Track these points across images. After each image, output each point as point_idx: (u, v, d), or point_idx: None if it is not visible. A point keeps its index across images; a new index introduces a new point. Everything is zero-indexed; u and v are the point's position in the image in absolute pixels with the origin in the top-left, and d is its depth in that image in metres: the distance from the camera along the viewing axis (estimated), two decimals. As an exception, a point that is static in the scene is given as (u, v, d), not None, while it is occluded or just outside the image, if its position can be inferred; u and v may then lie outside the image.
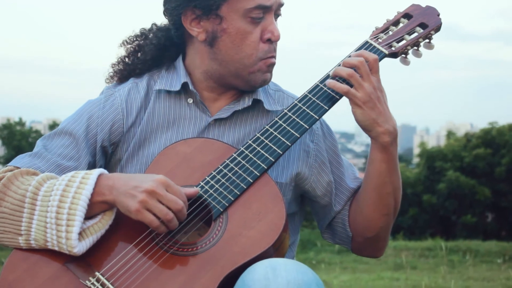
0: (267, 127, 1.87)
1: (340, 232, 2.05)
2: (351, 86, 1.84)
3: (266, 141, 1.85)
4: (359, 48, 1.93)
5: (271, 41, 1.94)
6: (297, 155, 1.99)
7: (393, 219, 1.99)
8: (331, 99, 1.88)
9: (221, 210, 1.76)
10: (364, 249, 2.06)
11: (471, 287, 7.28)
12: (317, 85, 1.90)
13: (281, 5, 1.95)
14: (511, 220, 24.35)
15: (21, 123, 28.94)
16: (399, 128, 1.90)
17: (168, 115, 1.99)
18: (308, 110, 1.87)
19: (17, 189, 1.76)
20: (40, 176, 1.77)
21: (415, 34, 1.95)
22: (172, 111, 1.99)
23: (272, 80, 2.02)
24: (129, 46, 2.09)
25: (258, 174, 1.80)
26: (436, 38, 1.98)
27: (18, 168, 1.85)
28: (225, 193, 1.78)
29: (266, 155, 1.83)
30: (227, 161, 1.83)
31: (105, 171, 1.78)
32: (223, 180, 1.80)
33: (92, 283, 1.67)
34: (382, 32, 1.97)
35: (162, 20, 2.07)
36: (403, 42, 1.95)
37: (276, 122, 1.87)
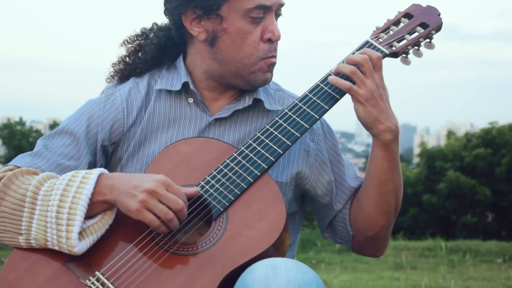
0: (267, 126, 1.87)
1: (341, 231, 2.05)
2: (354, 83, 1.84)
3: (267, 141, 1.85)
4: (360, 48, 1.93)
5: (272, 41, 1.94)
6: (297, 154, 1.99)
7: (394, 217, 1.99)
8: (332, 99, 1.88)
9: (222, 209, 1.76)
10: (364, 248, 2.06)
11: (471, 287, 7.28)
12: (318, 85, 1.90)
13: (282, 5, 1.95)
14: (511, 220, 24.35)
15: (21, 122, 28.95)
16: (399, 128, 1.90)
17: (168, 115, 1.99)
18: (308, 110, 1.87)
19: (17, 189, 1.76)
20: (40, 176, 1.77)
21: (416, 34, 1.95)
22: (173, 111, 2.00)
23: (273, 80, 2.02)
24: (129, 45, 2.09)
25: (259, 174, 1.80)
26: (436, 38, 1.98)
27: (18, 167, 1.85)
28: (225, 192, 1.78)
29: (267, 154, 1.83)
30: (228, 161, 1.83)
31: (106, 171, 1.78)
32: (223, 180, 1.80)
33: (92, 283, 1.67)
34: (382, 31, 1.97)
35: (162, 20, 2.07)
36: (404, 41, 1.95)
37: (277, 121, 1.87)
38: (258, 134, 1.86)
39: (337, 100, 1.88)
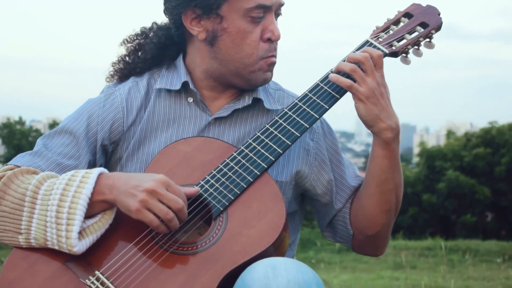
0: (267, 126, 1.87)
1: (341, 230, 2.05)
2: (354, 81, 1.84)
3: (267, 140, 1.85)
4: (360, 47, 1.93)
5: (271, 41, 1.94)
6: (297, 153, 1.99)
7: (394, 216, 1.99)
8: (332, 98, 1.88)
9: (221, 209, 1.76)
10: (365, 247, 2.06)
11: (471, 286, 7.28)
12: (318, 84, 1.90)
13: (282, 4, 1.95)
14: (510, 219, 24.36)
15: (21, 122, 28.95)
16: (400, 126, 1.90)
17: (168, 114, 1.99)
18: (308, 109, 1.87)
19: (17, 188, 1.76)
20: (40, 175, 1.77)
21: (416, 34, 1.95)
22: (172, 110, 2.00)
23: (272, 79, 2.02)
24: (129, 45, 2.09)
25: (258, 173, 1.80)
26: (436, 37, 1.98)
27: (18, 167, 1.85)
28: (225, 192, 1.78)
29: (267, 154, 1.83)
30: (227, 160, 1.83)
31: (105, 170, 1.78)
32: (223, 179, 1.80)
33: (92, 282, 1.67)
34: (382, 31, 1.97)
35: (162, 19, 2.07)
36: (404, 41, 1.95)
37: (277, 121, 1.87)
38: (258, 134, 1.86)
39: (337, 99, 1.88)
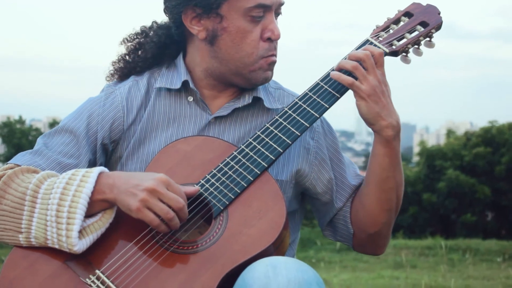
0: (267, 125, 1.87)
1: (342, 229, 2.05)
2: (356, 79, 1.84)
3: (267, 139, 1.85)
4: (360, 46, 1.93)
5: (271, 40, 1.93)
6: (297, 152, 1.99)
7: (395, 215, 1.99)
8: (332, 97, 1.88)
9: (222, 208, 1.76)
10: (365, 246, 2.06)
11: (471, 286, 7.28)
12: (318, 83, 1.90)
13: (281, 4, 1.95)
14: (511, 219, 24.37)
15: (21, 121, 28.97)
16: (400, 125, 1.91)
17: (168, 113, 1.99)
18: (308, 109, 1.87)
19: (17, 187, 1.76)
20: (40, 174, 1.77)
21: (416, 33, 1.95)
22: (173, 109, 2.00)
23: (272, 78, 2.02)
24: (129, 44, 2.09)
25: (259, 172, 1.80)
26: (436, 36, 1.98)
27: (18, 166, 1.85)
28: (225, 191, 1.78)
29: (267, 153, 1.83)
30: (228, 159, 1.83)
31: (106, 169, 1.78)
32: (223, 178, 1.80)
33: (92, 281, 1.67)
34: (382, 30, 1.97)
35: (162, 18, 2.07)
36: (404, 40, 1.95)
37: (277, 120, 1.87)
38: (258, 133, 1.86)
39: (337, 98, 1.88)
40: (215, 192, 1.78)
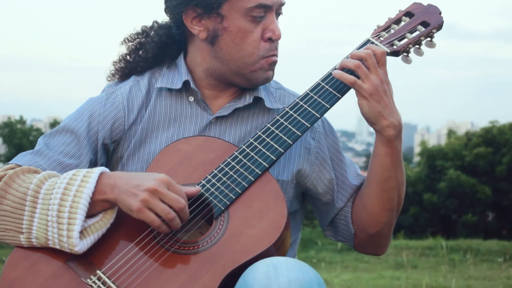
0: (268, 125, 1.87)
1: (343, 229, 2.05)
2: (358, 78, 1.84)
3: (268, 139, 1.85)
4: (361, 46, 1.93)
5: (272, 40, 1.93)
6: (298, 152, 1.99)
7: (396, 215, 1.98)
8: (333, 98, 1.88)
9: (223, 208, 1.76)
10: (366, 246, 2.06)
11: (472, 286, 7.27)
12: (319, 84, 1.90)
13: (282, 4, 1.95)
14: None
15: (22, 121, 28.99)
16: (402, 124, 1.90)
17: (169, 113, 1.99)
18: (309, 109, 1.87)
19: (18, 187, 1.76)
20: (41, 174, 1.77)
21: (417, 33, 1.95)
22: (173, 109, 1.99)
23: (273, 79, 2.02)
24: (130, 43, 2.09)
25: (260, 173, 1.80)
26: (437, 36, 1.97)
27: (19, 166, 1.85)
28: (226, 191, 1.78)
29: (268, 153, 1.83)
30: (229, 159, 1.83)
31: (107, 170, 1.78)
32: (224, 179, 1.80)
33: (93, 282, 1.67)
34: (383, 30, 1.97)
35: (163, 18, 2.07)
36: (405, 40, 1.95)
37: (278, 120, 1.87)
38: (259, 133, 1.86)
39: (338, 98, 1.88)
40: (216, 193, 1.78)
